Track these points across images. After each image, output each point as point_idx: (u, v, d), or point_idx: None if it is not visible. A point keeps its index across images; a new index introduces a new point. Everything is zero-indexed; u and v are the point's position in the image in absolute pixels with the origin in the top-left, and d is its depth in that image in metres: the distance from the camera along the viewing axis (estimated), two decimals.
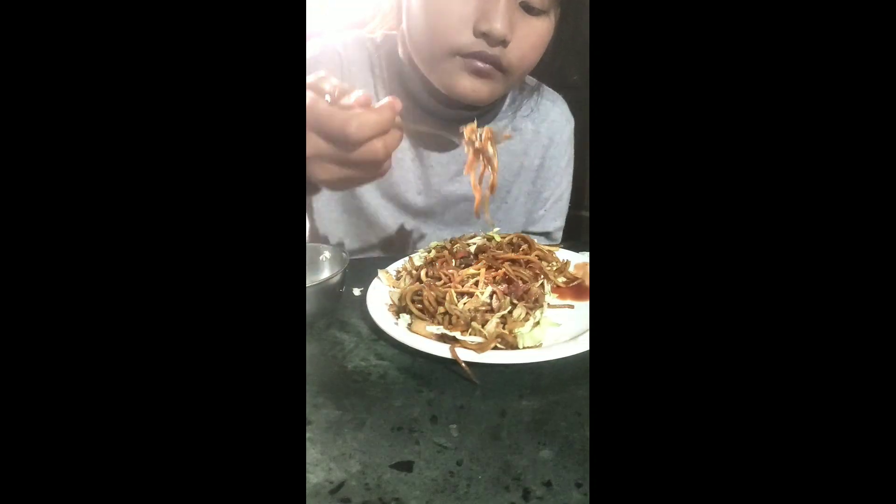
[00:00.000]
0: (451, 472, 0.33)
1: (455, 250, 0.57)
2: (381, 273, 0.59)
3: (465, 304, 0.49)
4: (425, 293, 0.50)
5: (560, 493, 0.31)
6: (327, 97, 0.40)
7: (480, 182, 0.57)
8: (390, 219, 0.77)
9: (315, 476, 0.33)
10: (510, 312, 0.49)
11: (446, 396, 0.41)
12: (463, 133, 0.55)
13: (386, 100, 0.41)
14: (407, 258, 0.62)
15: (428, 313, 0.50)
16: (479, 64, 0.59)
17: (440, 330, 0.47)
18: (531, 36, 0.60)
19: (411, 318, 0.50)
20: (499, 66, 0.59)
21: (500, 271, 0.53)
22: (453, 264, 0.55)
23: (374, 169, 0.43)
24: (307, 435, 0.36)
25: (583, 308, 0.54)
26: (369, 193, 0.75)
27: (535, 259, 0.57)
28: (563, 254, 0.64)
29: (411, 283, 0.55)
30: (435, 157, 0.75)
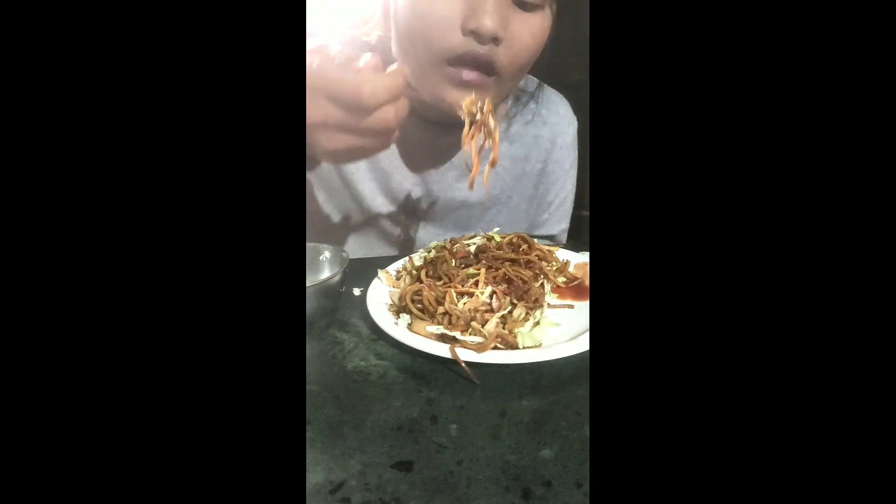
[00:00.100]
0: (450, 471, 0.33)
1: (455, 250, 0.57)
2: (381, 273, 0.59)
3: (465, 304, 0.49)
4: (425, 293, 0.50)
5: (560, 493, 0.31)
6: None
7: (480, 153, 0.55)
8: (390, 217, 0.76)
9: (315, 476, 0.33)
10: (510, 312, 0.49)
11: (446, 396, 0.41)
12: (462, 107, 0.54)
13: (395, 66, 0.40)
14: (407, 258, 0.62)
15: (428, 313, 0.50)
16: (467, 76, 0.56)
17: (440, 330, 0.47)
18: (524, 33, 0.56)
19: (411, 318, 0.50)
20: (490, 66, 0.56)
21: (500, 271, 0.53)
22: (453, 264, 0.55)
23: (385, 137, 0.42)
24: (307, 435, 0.36)
25: (583, 308, 0.54)
26: (370, 196, 0.74)
27: (535, 259, 0.57)
28: (563, 254, 0.64)
29: (411, 283, 0.55)
30: (433, 163, 0.74)
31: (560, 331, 0.49)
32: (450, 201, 0.76)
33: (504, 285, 0.52)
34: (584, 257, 0.63)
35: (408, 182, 0.74)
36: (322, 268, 0.59)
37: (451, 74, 0.56)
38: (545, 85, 0.80)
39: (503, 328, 0.47)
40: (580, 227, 0.88)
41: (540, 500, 0.31)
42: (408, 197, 0.75)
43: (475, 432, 0.37)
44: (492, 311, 0.49)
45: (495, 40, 0.54)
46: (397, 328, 0.48)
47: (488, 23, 0.52)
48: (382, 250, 0.78)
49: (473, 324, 0.46)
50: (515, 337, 0.46)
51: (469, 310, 0.48)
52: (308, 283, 0.50)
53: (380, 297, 0.54)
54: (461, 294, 0.50)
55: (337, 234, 0.77)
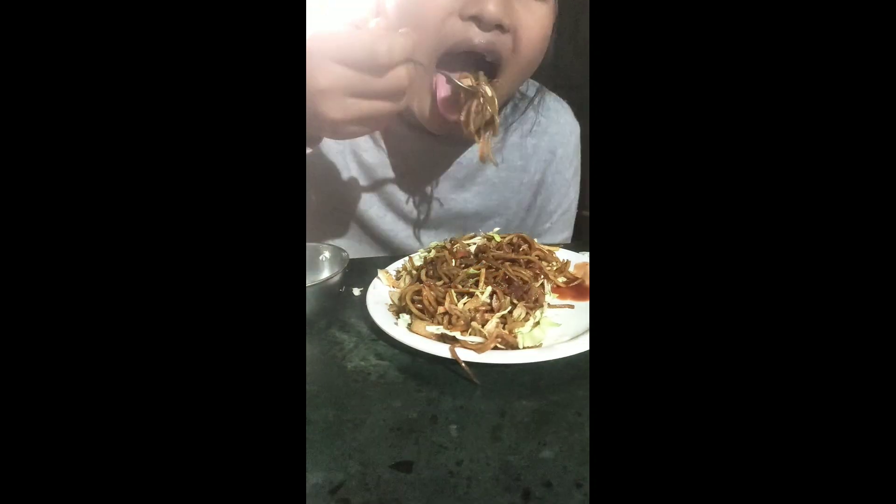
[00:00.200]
0: (450, 472, 0.33)
1: (455, 250, 0.57)
2: (381, 273, 0.59)
3: (465, 304, 0.49)
4: (425, 293, 0.50)
5: (560, 493, 0.31)
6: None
7: (469, 118, 0.54)
8: (388, 227, 0.75)
9: (315, 476, 0.33)
10: (510, 312, 0.48)
11: (446, 396, 0.41)
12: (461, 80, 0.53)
13: (403, 30, 0.39)
14: (407, 258, 0.62)
15: (428, 313, 0.49)
16: (450, 98, 0.53)
17: (440, 330, 0.47)
18: (531, 22, 0.51)
19: (411, 318, 0.50)
20: (491, 62, 0.52)
21: (500, 271, 0.53)
22: (453, 264, 0.55)
23: (398, 98, 0.40)
24: (307, 435, 0.36)
25: (583, 308, 0.54)
26: (365, 206, 0.73)
27: (536, 259, 0.57)
28: (563, 254, 0.64)
29: (411, 283, 0.55)
30: (428, 174, 0.73)
31: (560, 331, 0.49)
32: (446, 212, 0.75)
33: (504, 285, 0.52)
34: (584, 257, 0.63)
35: (403, 192, 0.73)
36: (322, 268, 0.59)
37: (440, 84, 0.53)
38: (546, 90, 0.77)
39: (503, 328, 0.47)
40: (580, 227, 0.88)
41: (540, 501, 0.31)
42: (404, 207, 0.74)
43: (475, 432, 0.37)
44: (492, 311, 0.49)
45: (500, 28, 0.50)
46: (397, 328, 0.48)
47: (491, 7, 0.48)
48: (377, 254, 0.78)
49: (473, 324, 0.46)
50: (515, 337, 0.46)
51: (469, 310, 0.48)
52: (308, 283, 0.50)
53: (380, 297, 0.54)
54: (461, 294, 0.50)
55: (335, 237, 0.77)
